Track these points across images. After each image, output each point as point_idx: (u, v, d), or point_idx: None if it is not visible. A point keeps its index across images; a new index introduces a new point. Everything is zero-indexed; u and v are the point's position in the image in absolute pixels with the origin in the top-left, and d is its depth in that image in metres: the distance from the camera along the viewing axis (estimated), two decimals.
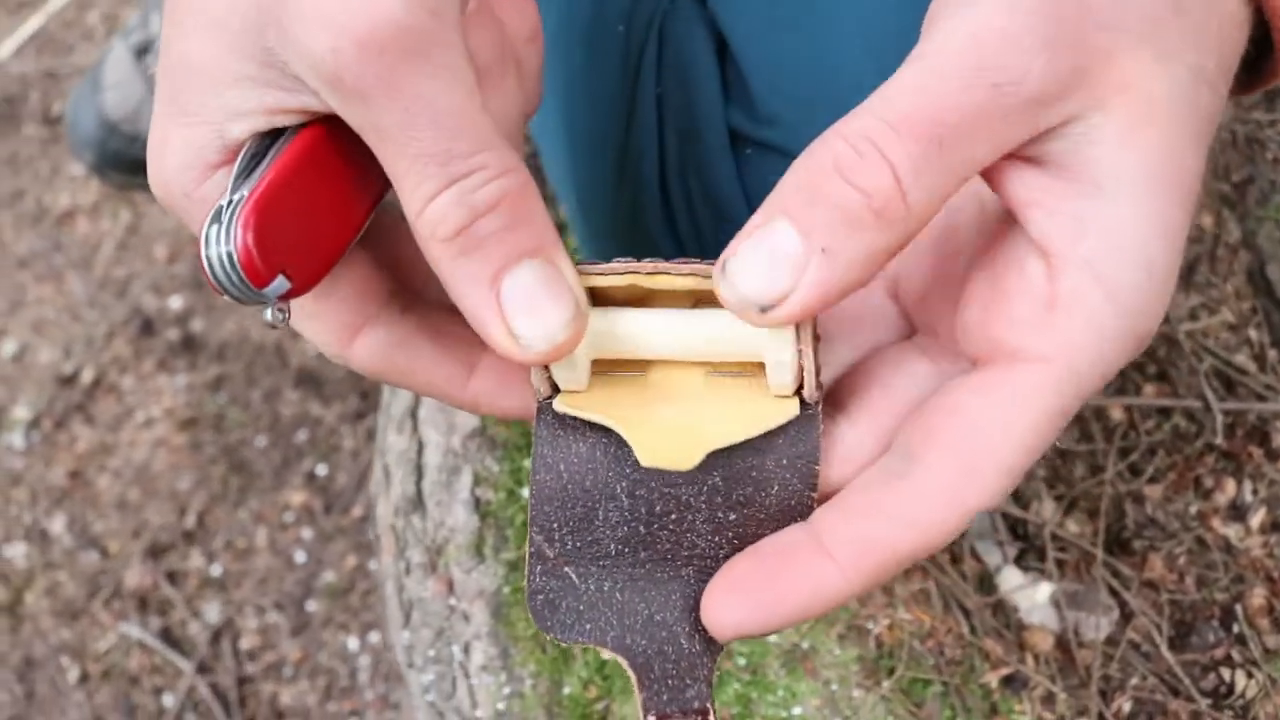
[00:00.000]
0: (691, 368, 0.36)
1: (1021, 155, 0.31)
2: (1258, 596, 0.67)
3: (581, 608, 0.35)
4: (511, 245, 0.32)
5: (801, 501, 0.35)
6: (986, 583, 0.70)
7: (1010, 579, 0.69)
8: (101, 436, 1.29)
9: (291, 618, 1.15)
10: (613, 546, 0.35)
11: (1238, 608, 0.67)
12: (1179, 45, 0.31)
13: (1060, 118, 0.30)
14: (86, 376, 1.31)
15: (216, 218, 0.31)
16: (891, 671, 0.65)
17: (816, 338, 0.35)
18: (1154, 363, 0.75)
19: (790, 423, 0.35)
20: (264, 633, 1.14)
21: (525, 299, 0.32)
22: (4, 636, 1.19)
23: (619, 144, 0.61)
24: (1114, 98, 0.30)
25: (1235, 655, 0.66)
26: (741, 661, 0.64)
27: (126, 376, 1.32)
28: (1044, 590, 0.68)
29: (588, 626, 0.35)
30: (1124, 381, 0.75)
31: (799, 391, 0.34)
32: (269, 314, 0.32)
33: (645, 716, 0.34)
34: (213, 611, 1.16)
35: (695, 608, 0.35)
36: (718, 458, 0.35)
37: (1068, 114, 0.30)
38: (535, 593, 0.35)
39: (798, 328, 0.33)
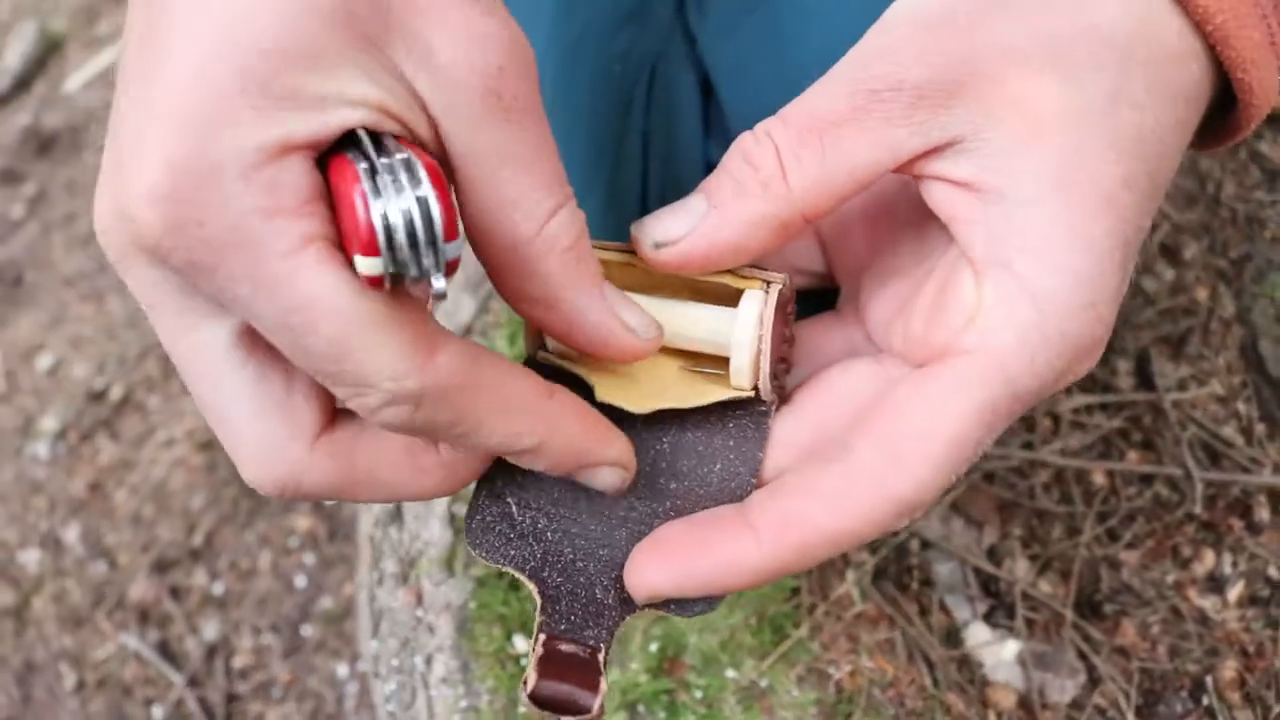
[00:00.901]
0: (668, 361, 0.38)
1: (946, 177, 0.34)
2: (1229, 669, 0.66)
3: (512, 536, 0.38)
4: (596, 261, 0.34)
5: (742, 484, 0.37)
6: (953, 637, 0.69)
7: (977, 634, 0.69)
8: (123, 452, 1.32)
9: (286, 640, 1.16)
10: (556, 492, 0.38)
11: (1208, 679, 0.66)
12: (1093, 68, 0.33)
13: (951, 131, 0.33)
14: (115, 393, 1.35)
15: (374, 178, 0.27)
16: (849, 717, 0.64)
17: (784, 360, 0.37)
18: (1139, 430, 0.75)
19: (743, 409, 0.37)
20: (257, 653, 1.15)
21: (622, 300, 0.35)
22: (8, 640, 1.21)
23: (609, 177, 0.63)
24: (1004, 111, 0.32)
25: None
26: (698, 694, 0.64)
27: (154, 396, 1.36)
28: (1011, 648, 0.68)
29: (512, 553, 0.37)
30: (1108, 447, 0.74)
31: (756, 388, 0.37)
32: (440, 282, 0.28)
33: (537, 634, 0.35)
34: (210, 629, 1.17)
35: (618, 567, 0.36)
36: (670, 423, 0.38)
37: (959, 128, 0.33)
38: (474, 513, 0.38)
39: (761, 326, 0.36)
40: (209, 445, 1.29)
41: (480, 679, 0.64)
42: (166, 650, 1.16)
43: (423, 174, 0.27)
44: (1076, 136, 0.32)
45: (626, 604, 0.36)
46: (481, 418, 0.32)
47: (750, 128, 0.36)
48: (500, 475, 0.38)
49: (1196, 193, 0.83)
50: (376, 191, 0.27)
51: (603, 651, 0.35)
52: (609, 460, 0.35)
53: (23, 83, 1.63)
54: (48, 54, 1.65)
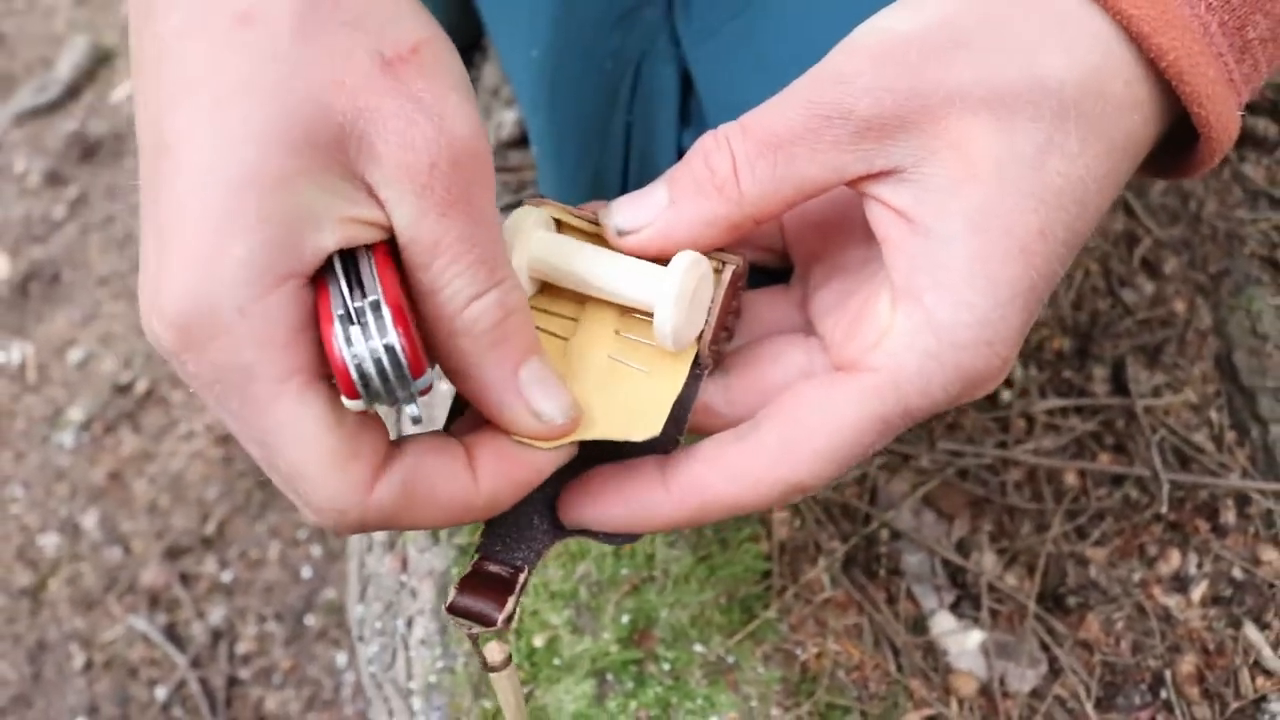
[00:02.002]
0: (600, 347, 0.42)
1: (886, 202, 0.37)
2: (1188, 664, 0.67)
3: None
4: (525, 341, 0.37)
5: (669, 439, 0.40)
6: (919, 625, 0.71)
7: (943, 623, 0.70)
8: (145, 444, 1.36)
9: (288, 628, 1.19)
10: None
11: (1167, 674, 0.67)
12: (1030, 118, 0.35)
13: (894, 161, 0.36)
14: (140, 387, 1.40)
15: (348, 320, 0.31)
16: (811, 695, 0.66)
17: (726, 329, 0.41)
18: (1112, 434, 0.77)
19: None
20: (260, 639, 1.18)
21: (540, 385, 0.37)
22: (23, 619, 1.25)
23: (596, 160, 0.67)
24: (945, 151, 0.36)
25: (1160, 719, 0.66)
26: (666, 666, 0.67)
27: (177, 391, 1.40)
28: (975, 637, 0.69)
29: None
30: (1081, 449, 0.76)
31: (698, 355, 0.40)
32: (413, 409, 0.32)
33: (475, 554, 0.39)
34: (217, 614, 1.21)
35: (554, 499, 0.40)
36: None
37: (901, 159, 0.36)
38: None
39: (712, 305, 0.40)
40: (226, 439, 1.33)
41: (457, 642, 0.67)
42: (173, 633, 1.20)
43: (388, 318, 0.31)
44: (1001, 184, 0.35)
45: (557, 531, 0.40)
46: (416, 521, 0.36)
47: (726, 120, 0.40)
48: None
49: (1179, 210, 0.85)
50: (349, 340, 0.31)
51: (525, 573, 0.39)
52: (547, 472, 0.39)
53: (72, 91, 1.70)
54: (98, 65, 1.72)
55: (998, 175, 0.35)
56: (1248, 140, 0.87)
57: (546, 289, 0.43)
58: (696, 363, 0.41)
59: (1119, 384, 0.78)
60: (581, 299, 0.42)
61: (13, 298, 1.52)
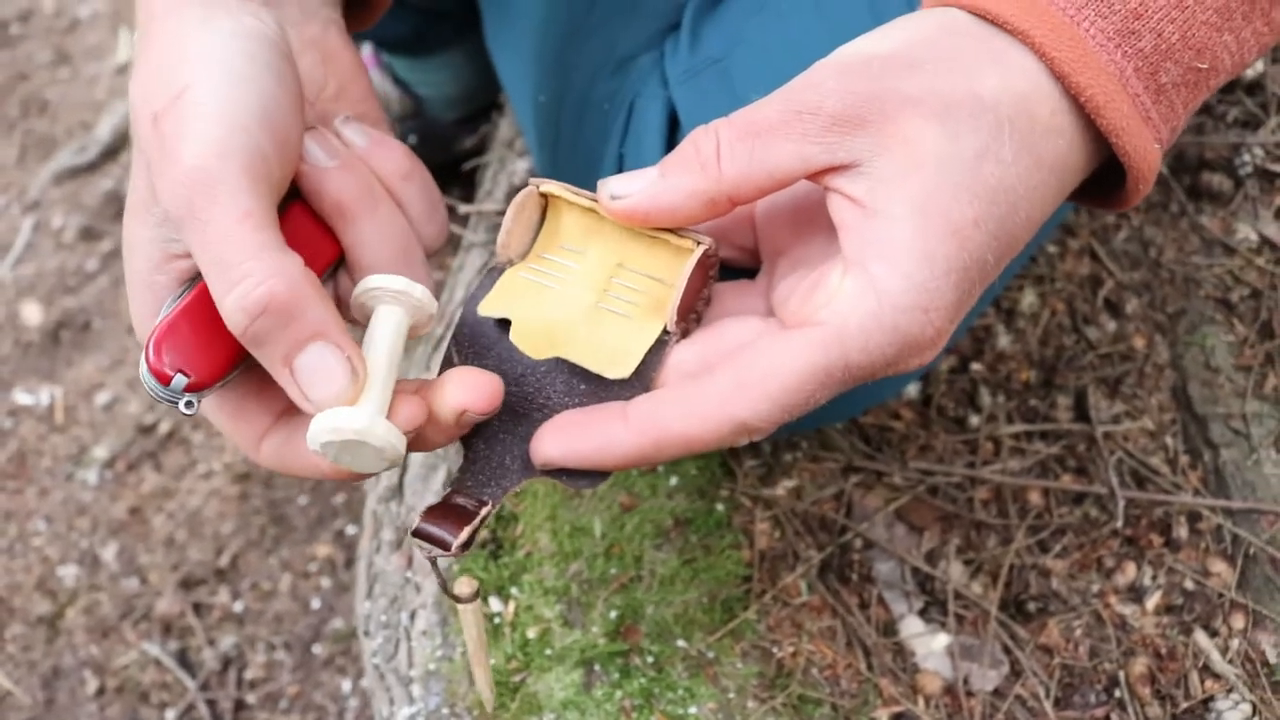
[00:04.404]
0: (591, 294, 0.48)
1: (844, 192, 0.44)
2: (1141, 666, 0.71)
3: None
4: (292, 335, 0.43)
5: (635, 394, 0.45)
6: (889, 628, 0.75)
7: (911, 627, 0.75)
8: (165, 482, 1.42)
9: (296, 656, 1.23)
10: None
11: (1122, 675, 0.71)
12: (970, 127, 0.42)
13: (854, 154, 0.43)
14: (163, 428, 1.46)
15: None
16: (786, 689, 0.71)
17: (696, 313, 0.48)
18: (1074, 457, 0.82)
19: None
20: (269, 666, 1.22)
21: (310, 374, 0.43)
22: (39, 646, 1.29)
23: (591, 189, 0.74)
24: (896, 147, 0.43)
25: (1114, 718, 0.70)
26: (650, 659, 0.71)
27: (198, 432, 1.46)
28: (941, 640, 0.74)
29: None
30: (1044, 470, 0.81)
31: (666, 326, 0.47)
32: (181, 404, 0.44)
33: (447, 487, 0.44)
34: (227, 642, 1.25)
35: (526, 440, 0.45)
36: None
37: (859, 153, 0.43)
38: None
39: (678, 279, 0.46)
40: (244, 478, 1.38)
41: (456, 632, 0.72)
42: (184, 659, 1.24)
43: (150, 343, 0.44)
44: (942, 176, 0.42)
45: (526, 470, 0.45)
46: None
47: None
48: (457, 352, 0.47)
49: (1140, 255, 0.91)
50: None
51: (489, 506, 0.44)
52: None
53: (110, 153, 1.80)
54: None
55: (940, 169, 0.42)
56: (1204, 194, 0.94)
57: (550, 245, 0.49)
58: (665, 331, 0.46)
59: (1081, 412, 0.84)
60: (581, 252, 0.48)
61: (45, 344, 1.59)
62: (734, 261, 0.54)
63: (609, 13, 0.68)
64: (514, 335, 0.46)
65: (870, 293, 0.41)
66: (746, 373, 0.42)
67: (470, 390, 0.43)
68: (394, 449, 0.41)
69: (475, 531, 0.43)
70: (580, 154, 0.74)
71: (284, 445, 0.46)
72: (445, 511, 0.43)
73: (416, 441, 0.44)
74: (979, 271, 0.43)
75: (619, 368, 0.44)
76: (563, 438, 0.44)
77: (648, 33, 0.70)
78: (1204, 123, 0.98)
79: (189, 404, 0.43)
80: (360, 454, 0.41)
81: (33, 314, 1.66)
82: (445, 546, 0.42)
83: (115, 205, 1.72)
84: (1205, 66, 0.44)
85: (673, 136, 0.70)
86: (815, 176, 0.44)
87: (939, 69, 0.43)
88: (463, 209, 0.99)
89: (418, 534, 0.43)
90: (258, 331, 0.41)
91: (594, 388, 0.46)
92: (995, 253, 0.43)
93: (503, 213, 0.50)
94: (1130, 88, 0.43)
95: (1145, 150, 0.44)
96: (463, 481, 0.45)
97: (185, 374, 0.42)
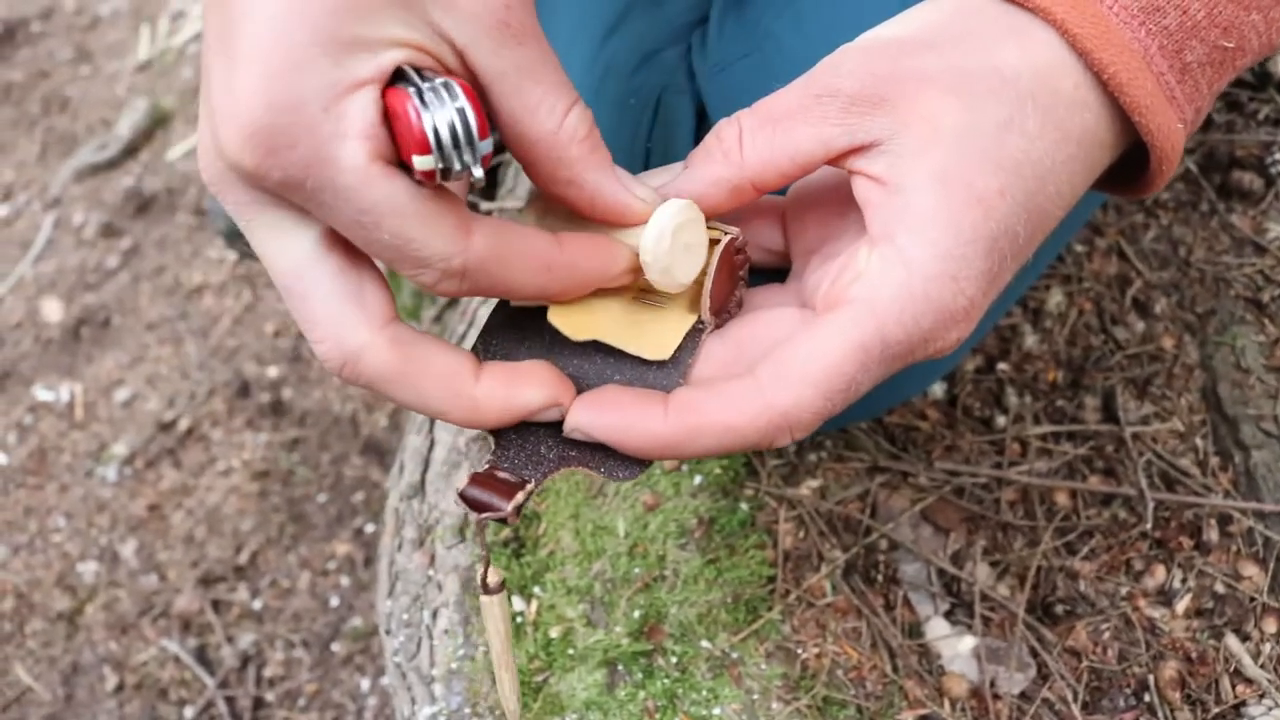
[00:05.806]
0: (624, 297, 0.47)
1: (865, 172, 0.43)
2: (1171, 671, 0.70)
3: None
4: (606, 147, 0.43)
5: (671, 383, 0.46)
6: (915, 630, 0.74)
7: (937, 629, 0.74)
8: (184, 478, 1.42)
9: (315, 654, 1.23)
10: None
11: (1151, 680, 0.70)
12: (992, 100, 0.42)
13: (874, 134, 0.42)
14: (182, 425, 1.46)
15: (422, 98, 0.36)
16: (811, 691, 0.70)
17: (727, 311, 0.47)
18: (1102, 458, 0.81)
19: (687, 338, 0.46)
20: (287, 664, 1.22)
21: (626, 176, 0.44)
22: (59, 642, 1.30)
23: None
24: (915, 122, 0.42)
25: None
26: (674, 660, 0.70)
27: (217, 430, 1.46)
28: (967, 642, 0.73)
29: None
30: (1072, 472, 0.80)
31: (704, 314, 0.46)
32: (478, 171, 0.37)
33: (483, 460, 0.44)
34: (246, 639, 1.25)
35: (559, 432, 0.44)
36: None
37: (879, 132, 0.42)
38: None
39: (707, 267, 0.45)
40: (263, 475, 1.39)
41: (478, 631, 0.71)
42: (203, 657, 1.24)
43: (459, 90, 0.36)
44: (963, 149, 0.41)
45: (563, 459, 0.44)
46: (512, 278, 0.41)
47: None
48: (483, 346, 0.47)
49: (1170, 255, 0.90)
50: (425, 106, 0.36)
51: (531, 484, 0.43)
52: (625, 267, 0.44)
53: (131, 150, 1.81)
54: (156, 126, 1.82)
55: (960, 141, 0.41)
56: (1235, 192, 0.92)
57: None
58: (699, 321, 0.46)
59: (1109, 412, 0.83)
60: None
61: (65, 341, 1.60)
62: (765, 264, 0.54)
63: (637, 8, 0.67)
64: (552, 315, 0.45)
65: (898, 264, 0.41)
66: (783, 364, 0.41)
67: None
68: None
69: (526, 500, 0.42)
70: (611, 150, 0.74)
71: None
72: (491, 481, 0.43)
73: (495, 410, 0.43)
74: (1009, 243, 0.42)
75: (658, 350, 0.44)
76: (599, 411, 0.43)
77: (673, 27, 0.70)
78: (1235, 121, 0.97)
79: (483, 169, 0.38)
80: (688, 253, 0.43)
81: (53, 311, 1.67)
82: (498, 510, 0.41)
83: (135, 202, 1.73)
84: (1231, 45, 0.43)
85: (700, 129, 0.70)
86: (838, 160, 0.43)
87: (958, 46, 0.42)
88: (484, 206, 0.99)
89: (465, 498, 0.42)
90: (595, 134, 0.42)
91: (630, 378, 0.46)
92: (1026, 226, 0.43)
93: (523, 210, 0.50)
94: (1154, 65, 0.43)
95: (1169, 130, 0.43)
96: (500, 458, 0.44)
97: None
